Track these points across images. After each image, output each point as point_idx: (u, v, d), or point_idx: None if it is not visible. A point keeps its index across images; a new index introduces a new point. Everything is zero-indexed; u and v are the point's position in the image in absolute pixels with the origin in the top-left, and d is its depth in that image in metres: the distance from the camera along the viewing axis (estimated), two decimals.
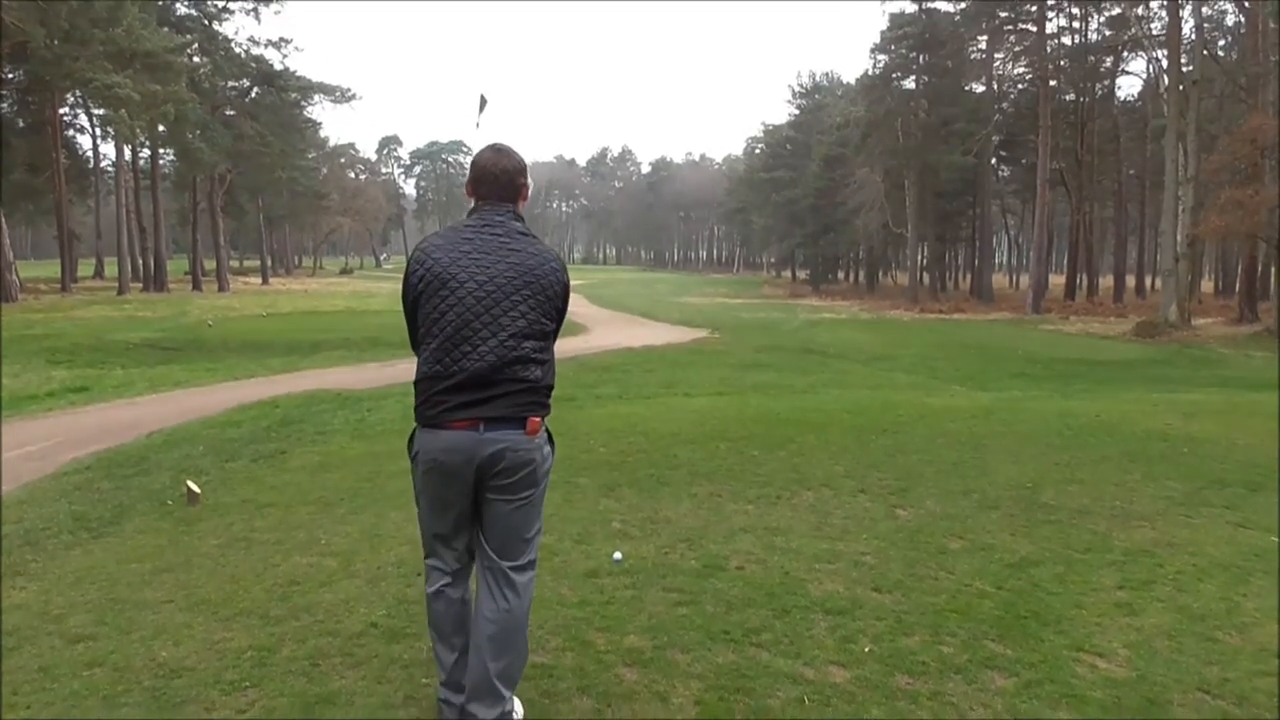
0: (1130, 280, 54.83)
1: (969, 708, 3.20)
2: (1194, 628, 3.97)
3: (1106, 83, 52.01)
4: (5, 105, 40.93)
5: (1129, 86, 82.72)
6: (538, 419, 2.90)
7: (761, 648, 3.66)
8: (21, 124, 42.82)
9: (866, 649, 3.66)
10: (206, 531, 5.35)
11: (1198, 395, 13.43)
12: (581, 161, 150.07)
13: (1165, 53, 36.59)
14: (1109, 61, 49.86)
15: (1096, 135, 50.06)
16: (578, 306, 40.05)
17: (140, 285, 46.75)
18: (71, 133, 48.82)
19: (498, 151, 3.02)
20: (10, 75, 38.86)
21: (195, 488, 6.17)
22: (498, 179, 2.98)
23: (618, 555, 4.72)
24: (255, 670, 3.43)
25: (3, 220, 34.61)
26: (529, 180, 3.06)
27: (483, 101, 3.59)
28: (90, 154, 53.15)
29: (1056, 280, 56.47)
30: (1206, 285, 56.76)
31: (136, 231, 49.02)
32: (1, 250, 34.10)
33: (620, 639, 3.73)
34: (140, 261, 49.41)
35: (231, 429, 9.13)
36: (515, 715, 2.96)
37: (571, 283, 3.11)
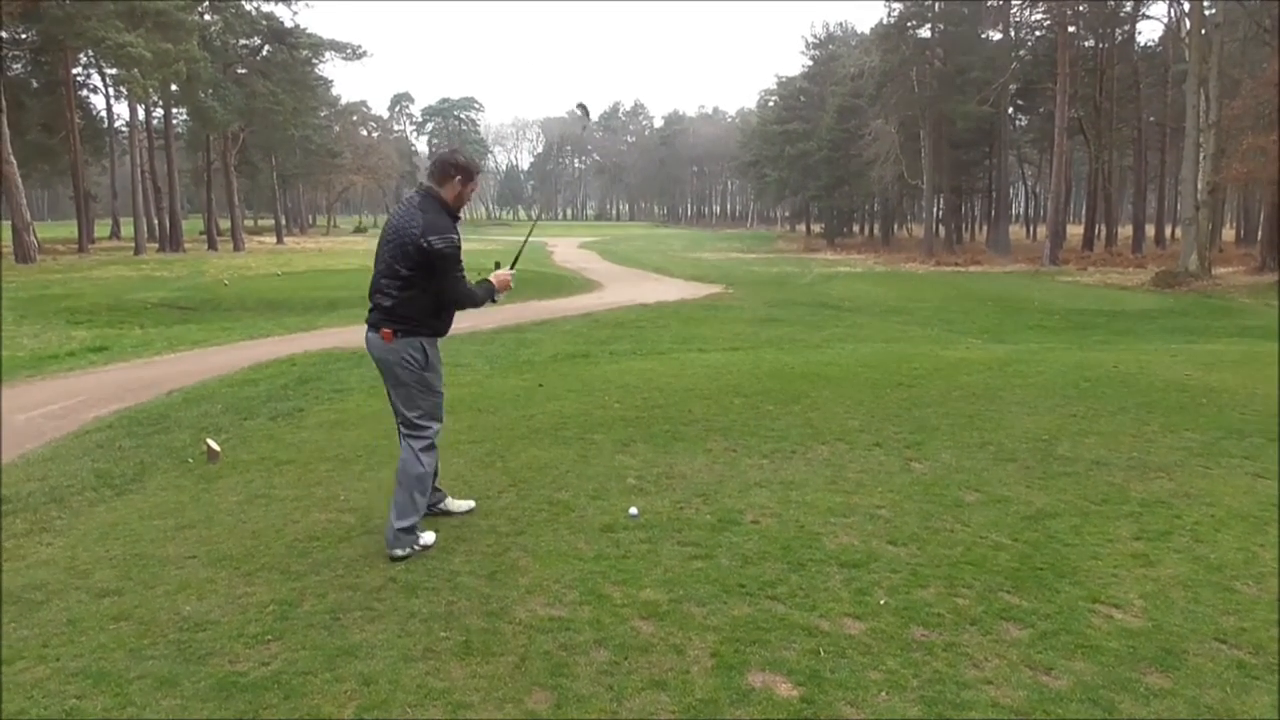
0: (1150, 230, 54.04)
1: (984, 659, 3.21)
2: (1211, 578, 3.97)
3: (1126, 28, 50.85)
4: (19, 66, 40.78)
5: (1150, 31, 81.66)
6: (389, 331, 4.20)
7: (777, 600, 3.69)
8: (35, 84, 42.75)
9: (882, 601, 3.68)
10: (227, 488, 5.42)
11: (1217, 345, 13.33)
12: (594, 116, 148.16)
13: None
14: (1129, 5, 48.75)
15: (1116, 82, 49.04)
16: (591, 263, 39.99)
17: (156, 245, 46.82)
18: (85, 93, 48.69)
19: (445, 149, 4.54)
20: (23, 35, 38.67)
21: (215, 445, 6.23)
22: (431, 164, 4.38)
23: (633, 510, 4.76)
24: (277, 624, 3.48)
25: (19, 181, 34.64)
26: (458, 171, 4.24)
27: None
28: (104, 114, 53.05)
29: (1074, 231, 55.84)
30: (1228, 234, 56.02)
31: (152, 191, 49.04)
32: (19, 211, 34.21)
33: (636, 592, 3.76)
34: (156, 221, 49.48)
35: (249, 387, 9.20)
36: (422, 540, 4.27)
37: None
